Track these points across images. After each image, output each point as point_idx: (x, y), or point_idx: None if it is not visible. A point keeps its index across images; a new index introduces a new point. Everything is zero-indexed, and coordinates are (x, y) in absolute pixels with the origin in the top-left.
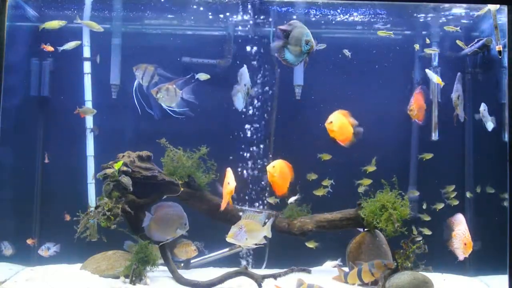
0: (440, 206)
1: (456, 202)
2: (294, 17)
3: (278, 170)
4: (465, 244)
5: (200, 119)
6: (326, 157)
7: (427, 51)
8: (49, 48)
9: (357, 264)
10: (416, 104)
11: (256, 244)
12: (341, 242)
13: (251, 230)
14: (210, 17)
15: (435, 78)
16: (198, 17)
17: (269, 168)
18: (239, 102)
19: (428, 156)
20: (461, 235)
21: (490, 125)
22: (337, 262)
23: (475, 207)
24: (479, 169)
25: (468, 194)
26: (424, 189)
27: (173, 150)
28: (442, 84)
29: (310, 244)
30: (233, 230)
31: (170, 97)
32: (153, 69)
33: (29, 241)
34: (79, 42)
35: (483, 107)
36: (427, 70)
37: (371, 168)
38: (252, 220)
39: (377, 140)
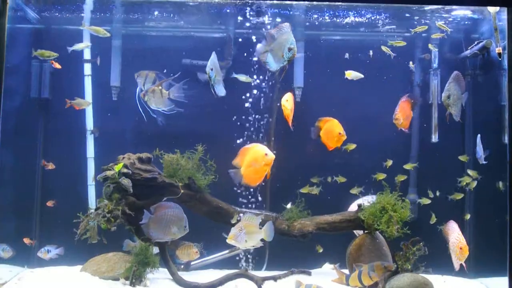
0: (459, 196)
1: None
2: (293, 14)
3: (291, 104)
4: (460, 248)
5: (200, 120)
6: (351, 147)
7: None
8: (57, 65)
9: (358, 266)
10: (401, 113)
11: (254, 246)
12: (341, 244)
13: (250, 232)
14: (210, 19)
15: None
16: (198, 19)
17: (283, 101)
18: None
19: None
20: (455, 242)
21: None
22: (336, 266)
23: (475, 209)
24: (478, 170)
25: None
26: (424, 190)
27: (169, 156)
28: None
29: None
30: (234, 232)
31: (157, 98)
32: (154, 75)
33: (26, 241)
34: (89, 43)
35: (478, 154)
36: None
37: (390, 162)
38: (252, 222)
39: (377, 142)
